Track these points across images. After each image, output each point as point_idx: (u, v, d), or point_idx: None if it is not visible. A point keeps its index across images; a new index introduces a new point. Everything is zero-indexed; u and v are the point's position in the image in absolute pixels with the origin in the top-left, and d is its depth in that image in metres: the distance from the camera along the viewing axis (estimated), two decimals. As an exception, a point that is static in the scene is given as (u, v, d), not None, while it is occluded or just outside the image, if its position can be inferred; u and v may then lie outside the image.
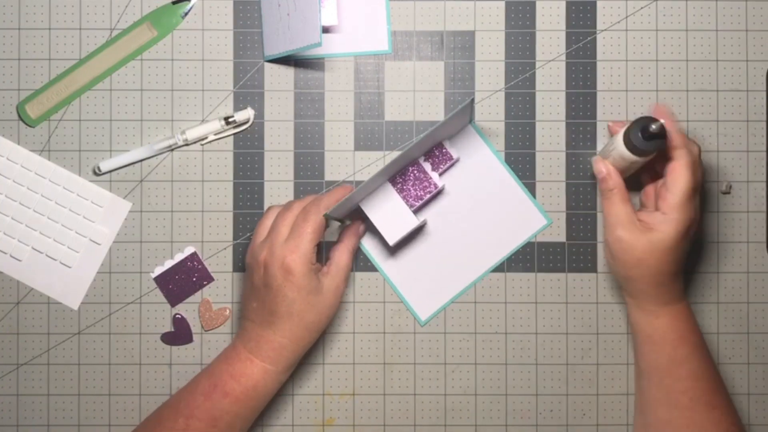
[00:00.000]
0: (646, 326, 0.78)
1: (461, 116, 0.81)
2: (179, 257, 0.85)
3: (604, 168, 0.78)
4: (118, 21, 0.86)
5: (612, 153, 0.79)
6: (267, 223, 0.80)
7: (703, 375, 0.76)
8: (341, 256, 0.80)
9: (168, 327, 0.86)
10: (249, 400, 0.76)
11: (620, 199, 0.77)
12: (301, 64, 0.86)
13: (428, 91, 0.86)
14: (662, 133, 0.74)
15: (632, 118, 0.86)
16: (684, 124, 0.86)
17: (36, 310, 0.85)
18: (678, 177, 0.75)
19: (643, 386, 0.79)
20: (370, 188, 0.80)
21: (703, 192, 0.86)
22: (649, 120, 0.74)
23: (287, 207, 0.79)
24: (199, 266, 0.85)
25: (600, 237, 0.86)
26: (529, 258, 0.86)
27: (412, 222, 0.82)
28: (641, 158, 0.76)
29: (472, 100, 0.79)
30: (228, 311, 0.86)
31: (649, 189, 0.80)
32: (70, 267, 0.85)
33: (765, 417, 0.86)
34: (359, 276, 0.86)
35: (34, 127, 0.85)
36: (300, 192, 0.86)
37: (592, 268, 0.86)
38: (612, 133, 0.82)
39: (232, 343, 0.80)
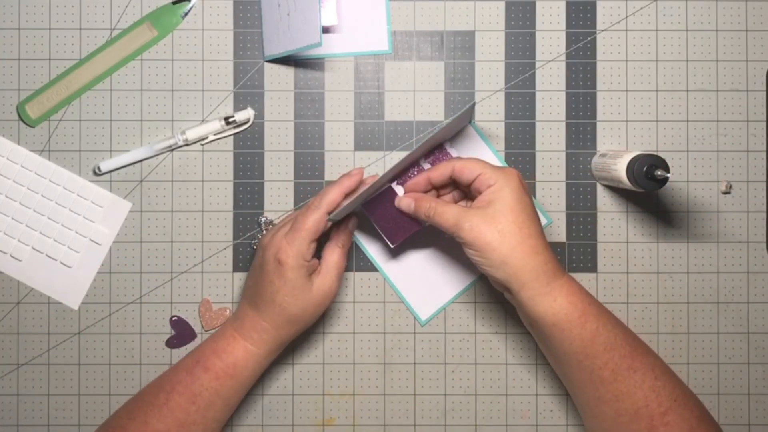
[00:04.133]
0: (547, 314, 0.74)
1: (462, 118, 0.81)
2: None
3: (411, 200, 0.80)
4: (118, 21, 0.86)
5: (612, 171, 0.79)
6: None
7: (616, 342, 0.74)
8: (332, 254, 0.80)
9: (168, 331, 0.86)
10: (228, 378, 0.77)
11: (446, 203, 0.77)
12: (301, 64, 0.86)
13: (428, 91, 0.86)
14: (664, 181, 0.75)
15: (632, 118, 0.86)
16: (684, 124, 0.86)
17: (36, 310, 0.85)
18: (468, 163, 0.76)
19: (565, 372, 0.77)
20: (371, 192, 0.80)
21: (703, 192, 0.86)
22: (658, 163, 0.75)
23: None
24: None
25: (600, 237, 0.86)
26: (529, 258, 0.86)
27: (413, 226, 0.82)
28: (635, 188, 0.77)
29: (474, 103, 0.79)
30: (228, 311, 0.86)
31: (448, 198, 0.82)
32: (70, 267, 0.85)
33: (765, 417, 0.86)
34: (359, 276, 0.86)
35: (34, 127, 0.85)
36: (300, 192, 0.86)
37: (592, 268, 0.86)
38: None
39: (224, 322, 0.83)
